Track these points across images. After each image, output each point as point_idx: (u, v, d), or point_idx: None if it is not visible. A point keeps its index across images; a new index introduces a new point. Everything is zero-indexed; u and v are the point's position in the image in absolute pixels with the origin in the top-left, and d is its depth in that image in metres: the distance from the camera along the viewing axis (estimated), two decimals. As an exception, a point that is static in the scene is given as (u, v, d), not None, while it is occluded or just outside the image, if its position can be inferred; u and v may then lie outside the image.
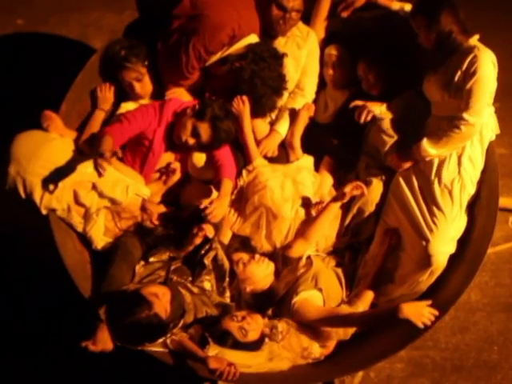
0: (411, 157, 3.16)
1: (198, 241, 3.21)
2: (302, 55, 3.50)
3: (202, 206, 3.15)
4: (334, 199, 3.19)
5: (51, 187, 3.21)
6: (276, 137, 3.49)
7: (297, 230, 3.28)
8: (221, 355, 2.88)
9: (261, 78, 3.31)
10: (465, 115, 2.98)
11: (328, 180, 3.46)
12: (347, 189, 3.13)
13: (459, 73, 3.01)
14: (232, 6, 3.31)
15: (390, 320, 2.89)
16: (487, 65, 2.98)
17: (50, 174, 3.21)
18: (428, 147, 3.09)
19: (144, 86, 3.47)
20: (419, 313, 2.79)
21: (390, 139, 3.26)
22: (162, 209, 3.43)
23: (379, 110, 3.27)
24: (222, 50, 3.34)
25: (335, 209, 3.20)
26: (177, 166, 3.44)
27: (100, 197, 3.30)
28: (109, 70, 3.49)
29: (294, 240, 3.25)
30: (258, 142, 3.46)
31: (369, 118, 3.26)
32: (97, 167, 3.04)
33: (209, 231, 3.19)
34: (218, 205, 3.20)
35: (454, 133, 3.02)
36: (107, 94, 3.48)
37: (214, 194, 3.23)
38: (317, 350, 3.07)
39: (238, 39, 3.34)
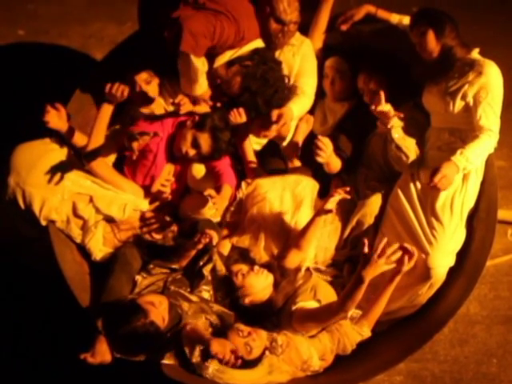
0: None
1: (199, 247, 3.18)
2: (296, 61, 3.51)
3: (205, 193, 3.14)
4: (318, 213, 3.18)
5: (51, 198, 3.23)
6: (288, 113, 3.35)
7: (290, 240, 3.27)
8: (221, 370, 2.87)
9: (272, 76, 3.35)
10: (493, 127, 3.00)
11: None
12: (328, 206, 3.10)
13: (466, 86, 3.04)
14: (243, 9, 3.37)
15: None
16: (497, 76, 3.03)
17: (49, 184, 3.23)
18: (472, 157, 2.98)
19: (154, 88, 3.47)
20: (380, 265, 2.74)
21: (411, 143, 3.21)
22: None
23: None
24: (231, 53, 3.37)
25: (321, 221, 3.20)
26: (167, 189, 3.41)
27: (97, 212, 3.32)
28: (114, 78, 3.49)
29: (288, 250, 3.25)
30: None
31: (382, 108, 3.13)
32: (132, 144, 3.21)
33: (214, 237, 3.14)
34: (219, 201, 3.20)
35: (484, 144, 3.01)
36: (119, 94, 3.19)
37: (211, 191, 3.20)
38: (316, 363, 3.06)
39: (245, 43, 3.38)
